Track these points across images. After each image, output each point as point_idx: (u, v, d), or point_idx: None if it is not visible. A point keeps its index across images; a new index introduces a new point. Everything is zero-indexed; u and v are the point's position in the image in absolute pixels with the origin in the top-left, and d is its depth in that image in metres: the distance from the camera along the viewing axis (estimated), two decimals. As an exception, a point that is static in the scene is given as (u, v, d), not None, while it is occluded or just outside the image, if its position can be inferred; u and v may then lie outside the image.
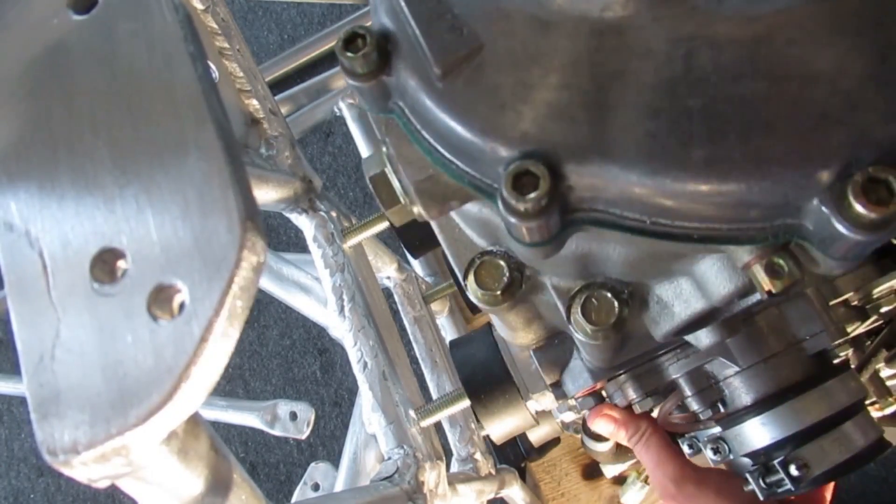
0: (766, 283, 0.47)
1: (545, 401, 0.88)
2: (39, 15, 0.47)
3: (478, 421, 0.91)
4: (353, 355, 0.96)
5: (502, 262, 0.59)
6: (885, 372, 1.00)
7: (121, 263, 0.41)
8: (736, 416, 0.81)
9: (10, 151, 0.45)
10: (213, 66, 0.96)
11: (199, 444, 0.47)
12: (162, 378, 0.38)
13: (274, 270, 1.14)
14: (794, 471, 0.74)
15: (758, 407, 0.79)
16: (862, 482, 1.87)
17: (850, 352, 0.94)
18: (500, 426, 0.87)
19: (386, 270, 1.23)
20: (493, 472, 1.31)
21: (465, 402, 0.87)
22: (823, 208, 0.42)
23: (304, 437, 1.47)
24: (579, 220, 0.48)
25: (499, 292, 0.59)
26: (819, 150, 0.43)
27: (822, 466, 0.75)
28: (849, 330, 0.90)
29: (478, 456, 1.24)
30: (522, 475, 1.54)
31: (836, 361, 0.83)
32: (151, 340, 0.39)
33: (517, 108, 0.47)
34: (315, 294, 1.11)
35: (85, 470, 0.39)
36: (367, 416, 0.96)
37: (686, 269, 0.55)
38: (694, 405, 0.82)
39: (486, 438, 1.27)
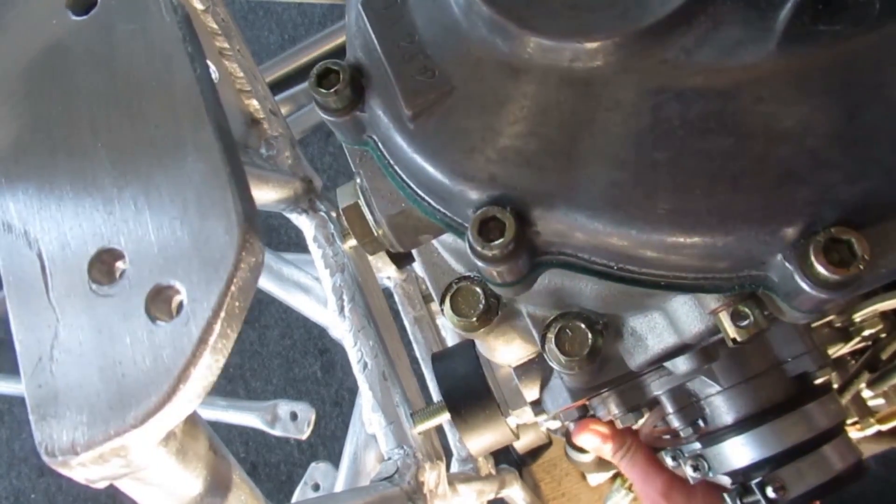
0: (731, 331, 0.48)
1: (525, 416, 0.89)
2: (39, 16, 0.47)
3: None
4: (353, 355, 0.96)
5: (478, 289, 0.59)
6: (867, 392, 1.01)
7: (119, 264, 0.41)
8: (716, 435, 0.81)
9: (9, 153, 0.45)
10: (213, 67, 0.96)
11: (198, 445, 0.47)
12: (160, 379, 0.38)
13: (274, 270, 1.14)
14: (770, 492, 0.75)
15: (738, 427, 0.79)
16: (863, 482, 1.87)
17: (832, 373, 0.95)
18: (480, 441, 0.87)
19: (386, 270, 1.23)
20: (493, 472, 1.31)
21: (446, 416, 0.87)
22: (787, 264, 0.43)
23: (304, 437, 1.47)
24: (548, 262, 0.48)
25: (475, 319, 0.59)
26: (783, 208, 0.43)
27: (799, 489, 0.75)
28: (831, 351, 0.91)
29: (480, 456, 1.24)
30: (522, 475, 1.54)
31: (817, 383, 0.83)
32: (149, 341, 0.39)
33: (486, 153, 0.47)
34: (315, 294, 1.11)
35: (83, 471, 0.39)
36: (368, 416, 0.96)
37: (659, 305, 0.55)
38: (675, 422, 0.83)
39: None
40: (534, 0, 0.49)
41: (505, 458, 1.47)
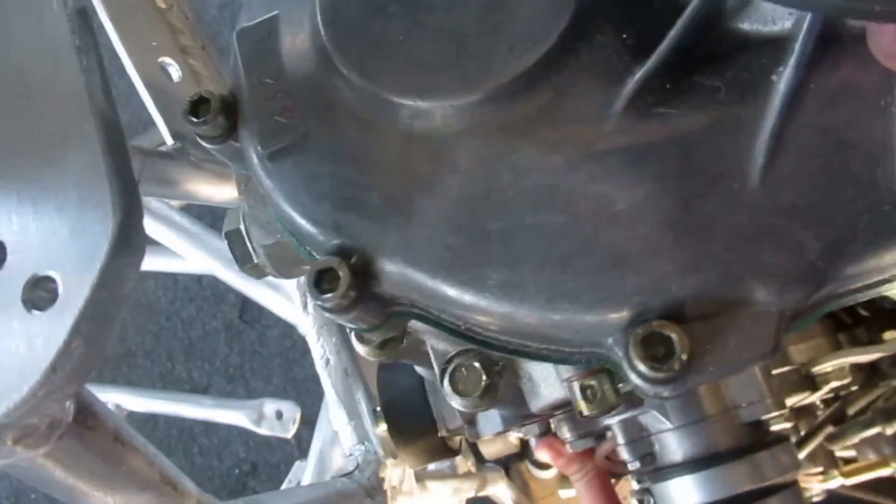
0: (579, 405, 0.47)
1: (461, 436, 0.88)
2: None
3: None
4: (316, 352, 0.97)
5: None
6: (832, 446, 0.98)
7: (1, 256, 0.42)
8: (664, 472, 0.80)
9: None
10: (175, 64, 0.97)
11: (98, 436, 0.47)
12: (32, 368, 0.39)
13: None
14: None
15: (685, 467, 0.77)
16: (863, 482, 1.84)
17: (791, 424, 0.93)
18: (414, 456, 0.87)
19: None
20: (472, 469, 1.31)
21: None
22: (617, 350, 0.41)
23: (290, 435, 1.48)
24: (400, 313, 0.47)
25: (378, 347, 0.57)
26: (611, 294, 0.42)
27: None
28: (797, 399, 0.88)
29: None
30: (510, 474, 1.53)
31: (773, 432, 0.81)
32: (24, 331, 0.39)
33: (332, 201, 0.47)
34: (283, 291, 1.12)
35: (-38, 458, 0.40)
36: (331, 412, 0.97)
37: None
38: (625, 454, 0.82)
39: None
40: (383, 53, 0.48)
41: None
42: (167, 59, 0.97)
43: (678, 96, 0.45)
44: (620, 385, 0.47)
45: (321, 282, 0.44)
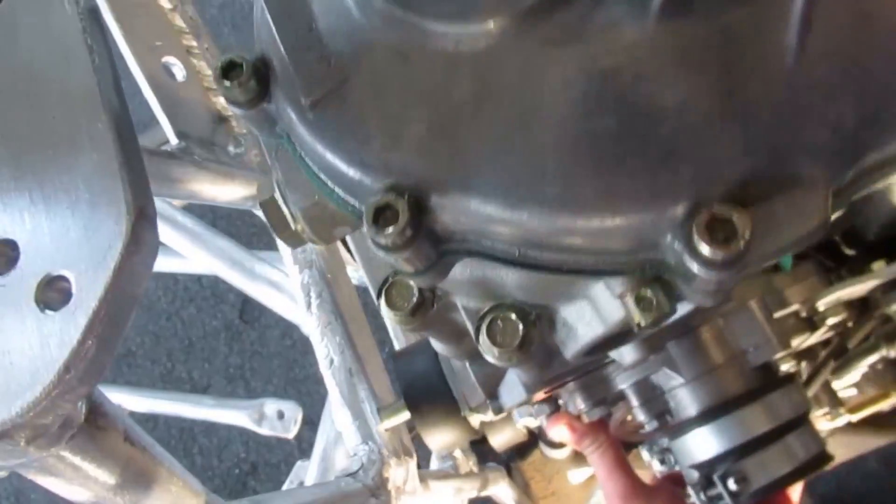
0: (636, 316, 0.47)
1: (487, 413, 0.89)
2: (-55, 10, 0.48)
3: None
4: (320, 352, 0.96)
5: (412, 283, 0.58)
6: (837, 383, 1.00)
7: (13, 255, 0.42)
8: (681, 428, 0.81)
9: None
10: (180, 65, 0.97)
11: (108, 436, 0.47)
12: (46, 368, 0.39)
13: (246, 268, 1.15)
14: (732, 485, 0.75)
15: (701, 418, 0.79)
16: (863, 482, 1.85)
17: (800, 364, 0.94)
18: (439, 438, 0.87)
19: (353, 263, 1.23)
20: (474, 469, 1.31)
21: (407, 414, 0.87)
22: (676, 245, 0.42)
23: (291, 436, 1.48)
24: (453, 250, 0.48)
25: (410, 313, 0.58)
26: (667, 187, 0.43)
27: (762, 480, 0.75)
28: (798, 341, 0.90)
29: (457, 453, 1.24)
30: (511, 473, 1.53)
31: (781, 372, 0.83)
32: (38, 330, 0.39)
33: (381, 141, 0.47)
34: (286, 291, 1.12)
35: (-27, 460, 0.40)
36: (335, 412, 0.96)
37: (583, 293, 0.54)
38: (640, 416, 0.83)
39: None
40: None
41: (493, 456, 1.47)
42: (171, 59, 0.97)
43: None
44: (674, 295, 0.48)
45: (378, 220, 0.45)
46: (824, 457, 0.80)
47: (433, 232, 0.46)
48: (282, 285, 1.13)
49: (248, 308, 2.34)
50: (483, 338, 0.54)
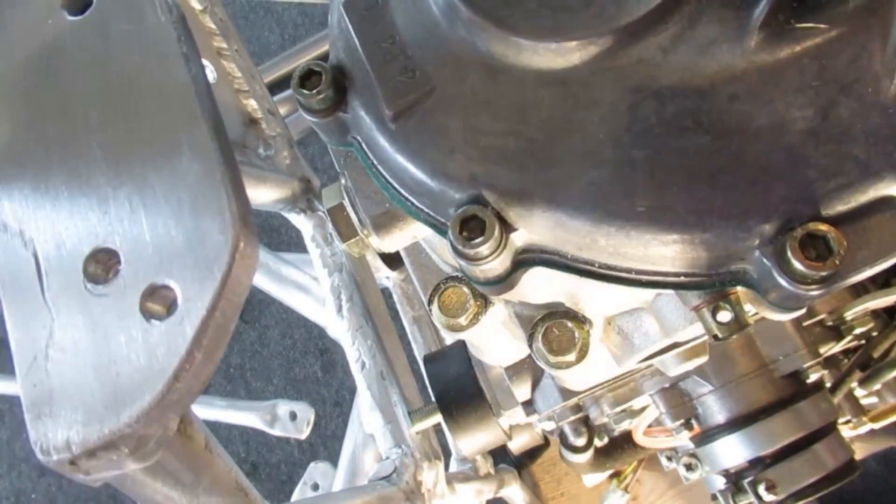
0: (713, 328, 0.48)
1: (517, 417, 0.89)
2: (35, 16, 0.47)
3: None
4: (352, 355, 0.96)
5: (466, 290, 0.59)
6: (860, 391, 1.01)
7: (114, 263, 0.41)
8: (709, 434, 0.81)
9: (4, 152, 0.45)
10: (210, 66, 0.96)
11: (194, 444, 0.47)
12: (154, 378, 0.38)
13: (273, 271, 1.14)
14: (762, 492, 0.76)
15: (730, 426, 0.80)
16: (863, 482, 1.86)
17: (825, 372, 0.95)
18: (472, 442, 0.88)
19: (385, 270, 1.23)
20: (492, 471, 1.31)
21: (439, 417, 0.87)
22: (765, 260, 0.43)
23: (303, 437, 1.47)
24: (530, 261, 0.48)
25: (462, 319, 0.58)
26: (760, 204, 0.44)
27: (791, 487, 0.76)
28: (823, 350, 0.91)
29: (477, 456, 1.24)
30: (521, 475, 1.54)
31: (809, 381, 0.84)
32: (144, 340, 0.39)
33: (466, 153, 0.48)
34: (314, 294, 1.11)
35: (78, 469, 0.39)
36: (366, 415, 0.96)
37: (644, 303, 0.55)
38: (667, 422, 0.83)
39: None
40: (512, 0, 0.49)
41: (504, 458, 1.47)
42: (203, 62, 0.97)
43: (808, 12, 0.47)
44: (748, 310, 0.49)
45: (464, 230, 0.45)
46: (853, 465, 0.81)
47: (514, 243, 0.47)
48: (309, 288, 1.13)
49: (249, 308, 2.33)
50: (538, 346, 0.54)
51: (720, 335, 0.49)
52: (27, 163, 0.44)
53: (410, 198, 0.51)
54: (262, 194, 0.98)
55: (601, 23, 0.47)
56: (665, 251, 0.45)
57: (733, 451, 0.81)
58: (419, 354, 1.26)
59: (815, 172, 0.44)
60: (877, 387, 1.00)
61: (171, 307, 0.40)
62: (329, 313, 0.99)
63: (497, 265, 0.47)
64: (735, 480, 0.81)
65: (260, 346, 2.31)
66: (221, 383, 2.27)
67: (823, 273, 0.41)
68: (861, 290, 0.91)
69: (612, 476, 1.48)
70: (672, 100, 0.46)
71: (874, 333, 0.94)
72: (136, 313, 0.40)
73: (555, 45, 0.48)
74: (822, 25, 0.46)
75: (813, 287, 0.42)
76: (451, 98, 0.49)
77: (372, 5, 0.53)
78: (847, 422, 1.05)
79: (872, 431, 1.10)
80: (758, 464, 0.79)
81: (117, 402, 0.39)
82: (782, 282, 0.42)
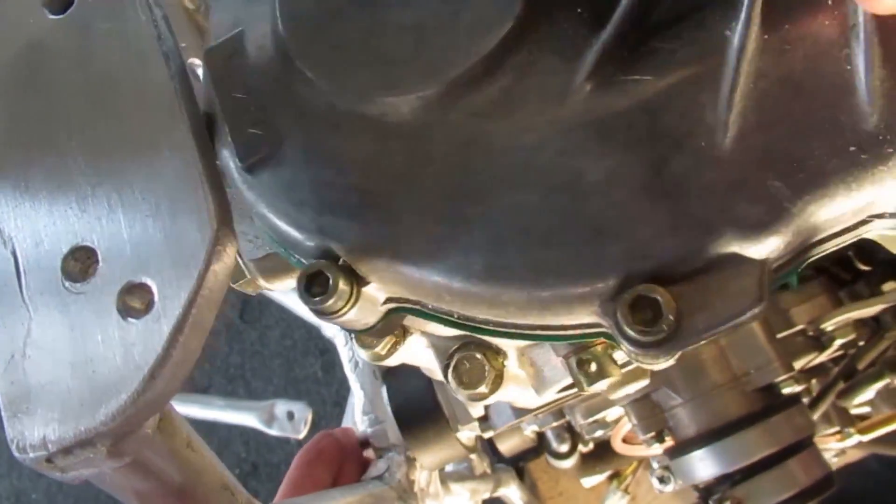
0: (579, 379, 0.48)
1: (476, 432, 0.89)
2: (15, 14, 0.48)
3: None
4: (345, 354, 0.96)
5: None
6: (849, 402, 0.99)
7: (92, 262, 0.41)
8: (680, 447, 0.80)
9: (-15, 151, 0.45)
10: (202, 65, 0.96)
11: (175, 442, 0.47)
12: (131, 376, 0.38)
13: (267, 270, 1.14)
14: None
15: (700, 440, 0.78)
16: (863, 483, 1.86)
17: (804, 385, 0.94)
18: (431, 457, 0.87)
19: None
20: (488, 471, 1.31)
21: None
22: (606, 321, 0.42)
23: (301, 436, 1.48)
24: (394, 309, 0.48)
25: (380, 349, 0.57)
26: (594, 264, 0.42)
27: None
28: (805, 361, 0.90)
29: (472, 455, 1.24)
30: (520, 474, 1.54)
31: (785, 394, 0.82)
32: (121, 338, 0.39)
33: (314, 206, 0.47)
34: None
35: (54, 467, 0.40)
36: (359, 415, 0.96)
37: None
38: (639, 433, 0.83)
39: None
40: (346, 54, 0.49)
41: (501, 456, 1.47)
42: (195, 60, 0.97)
43: (637, 63, 0.45)
44: (618, 356, 0.48)
45: (312, 286, 0.45)
46: (830, 481, 0.79)
47: (370, 295, 0.46)
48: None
49: (249, 308, 2.33)
50: (451, 379, 0.53)
51: (586, 386, 0.48)
52: (7, 161, 0.44)
53: (279, 244, 0.51)
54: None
55: (428, 77, 0.47)
56: (513, 307, 0.44)
57: (703, 465, 0.79)
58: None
59: (649, 231, 0.42)
60: (857, 400, 0.97)
61: (148, 305, 0.40)
62: (323, 313, 0.99)
63: (358, 316, 0.46)
64: (705, 496, 0.80)
65: (260, 346, 2.32)
66: (221, 383, 2.27)
67: (653, 338, 0.39)
68: (844, 296, 0.90)
69: (611, 477, 1.48)
70: (502, 154, 0.45)
71: (860, 343, 0.93)
72: (113, 312, 0.40)
73: (383, 100, 0.47)
74: (648, 77, 0.44)
75: (649, 350, 0.40)
76: (298, 151, 0.48)
77: (230, 55, 0.52)
78: (835, 433, 1.02)
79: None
80: (726, 480, 0.78)
81: (94, 400, 0.39)
82: (623, 344, 0.41)
